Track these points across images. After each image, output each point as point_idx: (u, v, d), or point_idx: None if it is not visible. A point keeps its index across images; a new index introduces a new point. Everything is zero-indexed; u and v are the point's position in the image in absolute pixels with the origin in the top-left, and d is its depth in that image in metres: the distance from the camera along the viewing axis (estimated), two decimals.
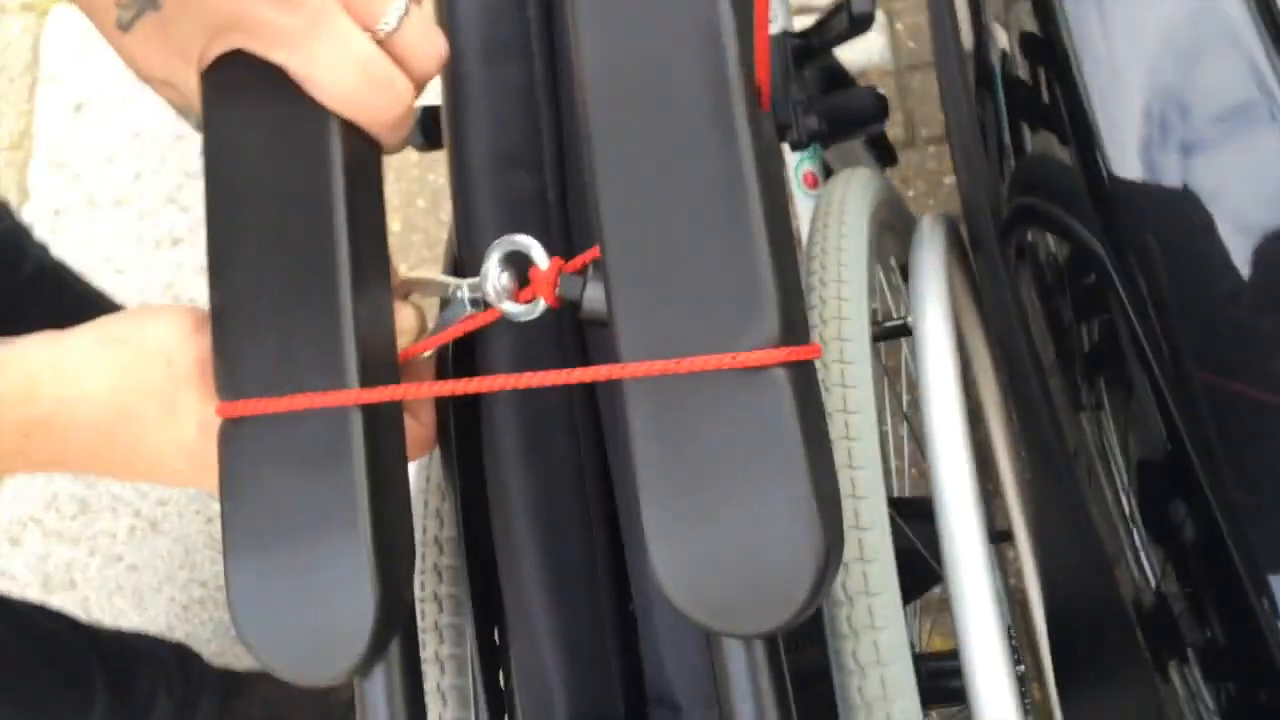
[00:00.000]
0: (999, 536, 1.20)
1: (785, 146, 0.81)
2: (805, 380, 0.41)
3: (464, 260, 0.54)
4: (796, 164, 1.10)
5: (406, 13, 0.44)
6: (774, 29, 0.97)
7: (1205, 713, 0.57)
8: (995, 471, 1.11)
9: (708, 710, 0.50)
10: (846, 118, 0.76)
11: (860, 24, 0.67)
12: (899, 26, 1.90)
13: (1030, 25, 0.75)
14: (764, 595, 0.38)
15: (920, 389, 0.63)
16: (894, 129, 1.80)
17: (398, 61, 0.44)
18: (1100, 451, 0.68)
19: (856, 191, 0.71)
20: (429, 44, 0.45)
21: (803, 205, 1.06)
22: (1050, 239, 0.71)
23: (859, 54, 1.87)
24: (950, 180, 1.73)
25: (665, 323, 0.40)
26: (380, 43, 0.44)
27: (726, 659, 0.41)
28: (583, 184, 0.48)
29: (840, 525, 0.41)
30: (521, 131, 0.54)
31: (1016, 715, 0.54)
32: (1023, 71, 0.77)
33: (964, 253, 1.00)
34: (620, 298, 0.41)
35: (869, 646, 0.52)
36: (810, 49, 0.77)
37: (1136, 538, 0.65)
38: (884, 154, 0.99)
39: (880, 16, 1.90)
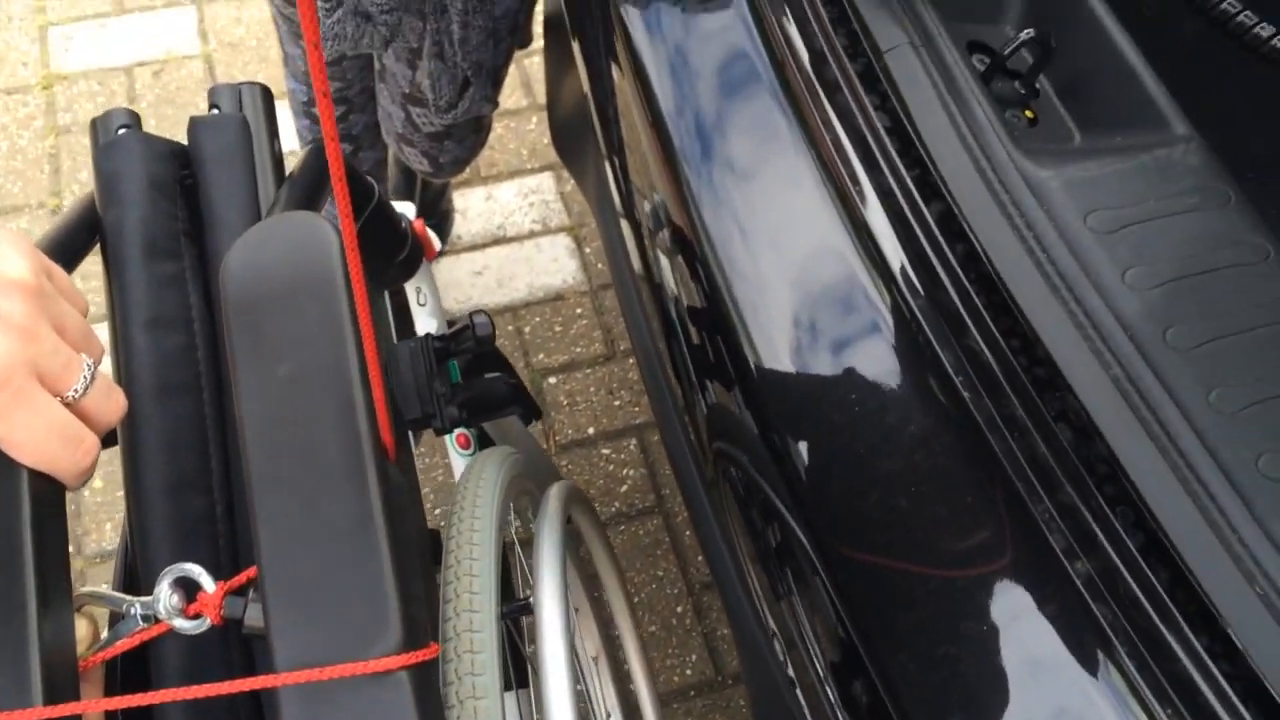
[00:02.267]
0: None
1: None
2: (426, 677, 0.51)
3: (140, 575, 0.61)
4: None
5: (92, 379, 0.51)
6: (421, 331, 1.11)
7: None
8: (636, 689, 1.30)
9: None
10: (484, 405, 0.88)
11: (484, 342, 0.80)
12: (587, 250, 2.06)
13: (691, 286, 0.90)
14: None
15: (539, 668, 0.75)
16: (594, 345, 1.94)
17: (84, 419, 0.51)
18: (798, 635, 0.80)
19: (488, 481, 0.84)
20: (110, 402, 0.52)
21: (457, 463, 1.18)
22: (741, 475, 0.85)
23: (554, 277, 2.02)
24: None
25: (312, 636, 0.49)
26: (69, 405, 0.50)
27: None
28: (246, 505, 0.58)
29: None
30: (193, 457, 0.62)
31: None
32: (690, 316, 0.92)
33: (589, 508, 1.15)
34: (275, 618, 0.50)
35: None
36: (449, 351, 0.89)
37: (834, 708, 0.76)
38: (528, 412, 1.13)
39: (569, 241, 2.07)
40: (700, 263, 0.89)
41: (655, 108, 0.95)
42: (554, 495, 0.89)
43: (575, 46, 1.18)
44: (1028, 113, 0.85)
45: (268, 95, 0.75)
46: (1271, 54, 0.79)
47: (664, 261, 0.98)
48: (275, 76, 2.22)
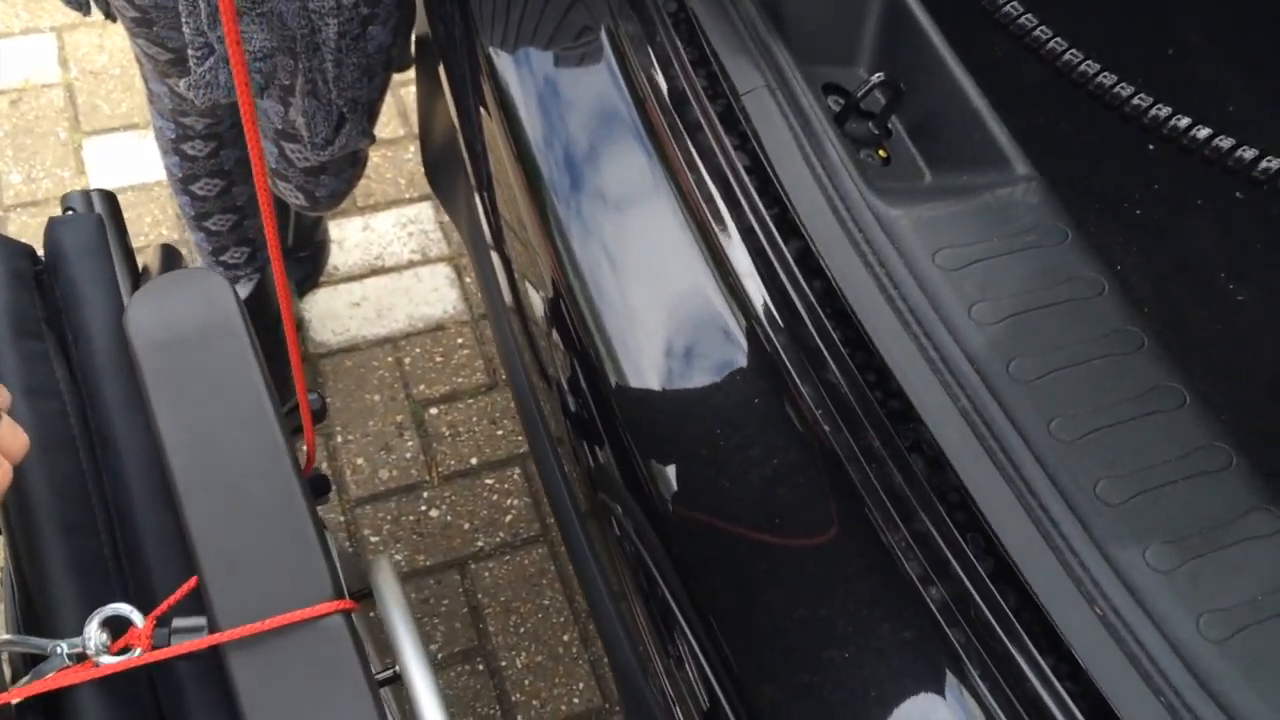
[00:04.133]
0: None
1: None
2: (353, 627, 0.57)
3: (41, 615, 0.64)
4: None
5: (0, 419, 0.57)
6: None
7: None
8: None
9: None
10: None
11: (318, 417, 0.85)
12: (468, 280, 2.04)
13: (561, 322, 0.91)
14: None
15: None
16: (475, 374, 1.93)
17: None
18: (672, 666, 0.81)
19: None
20: (18, 437, 0.59)
21: None
22: (612, 510, 0.86)
23: (434, 307, 2.00)
24: None
25: (250, 597, 0.55)
26: None
27: None
28: (134, 542, 0.65)
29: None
30: (78, 505, 0.67)
31: None
32: (559, 350, 0.93)
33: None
34: (213, 587, 0.55)
35: None
36: None
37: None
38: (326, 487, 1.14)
39: (449, 271, 2.06)
40: (568, 300, 0.90)
41: (522, 147, 0.96)
42: (386, 568, 0.90)
43: (443, 76, 1.18)
44: (881, 152, 0.88)
45: (114, 199, 0.86)
46: (1113, 100, 0.84)
47: (534, 297, 0.99)
48: (141, 105, 2.16)
